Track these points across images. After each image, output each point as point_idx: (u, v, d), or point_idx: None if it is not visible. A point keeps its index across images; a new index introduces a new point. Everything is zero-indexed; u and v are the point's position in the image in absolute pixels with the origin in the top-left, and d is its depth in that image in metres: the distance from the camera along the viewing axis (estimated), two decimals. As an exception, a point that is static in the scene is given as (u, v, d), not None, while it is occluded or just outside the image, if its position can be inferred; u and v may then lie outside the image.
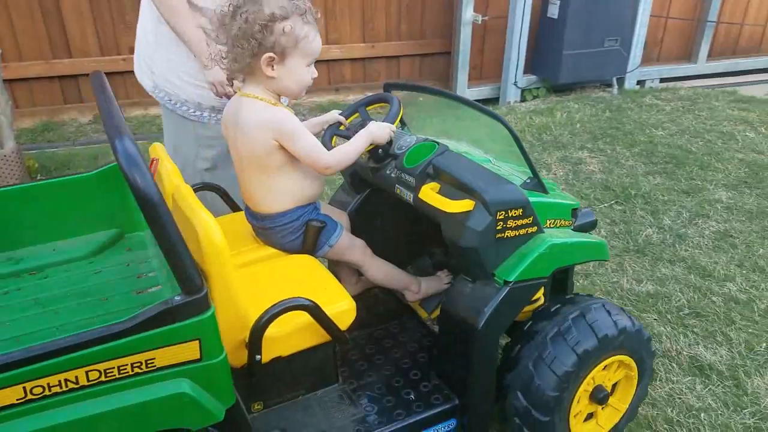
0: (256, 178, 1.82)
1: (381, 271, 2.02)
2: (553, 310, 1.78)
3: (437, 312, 2.07)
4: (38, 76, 4.76)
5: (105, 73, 4.97)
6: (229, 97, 2.19)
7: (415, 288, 2.09)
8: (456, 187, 1.70)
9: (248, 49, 1.64)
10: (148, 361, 1.25)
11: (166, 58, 2.35)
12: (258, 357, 1.52)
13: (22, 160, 3.81)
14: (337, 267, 2.15)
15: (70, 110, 4.97)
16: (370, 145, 1.85)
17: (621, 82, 5.84)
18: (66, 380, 1.16)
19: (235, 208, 2.18)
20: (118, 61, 4.82)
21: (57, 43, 4.72)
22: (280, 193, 1.83)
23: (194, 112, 2.40)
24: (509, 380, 1.73)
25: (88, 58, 4.80)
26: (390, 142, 1.92)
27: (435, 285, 2.12)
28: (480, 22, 5.34)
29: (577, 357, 1.66)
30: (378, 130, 1.84)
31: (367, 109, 2.07)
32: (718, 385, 2.23)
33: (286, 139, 1.72)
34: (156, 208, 1.16)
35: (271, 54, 1.65)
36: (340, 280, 1.88)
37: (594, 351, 1.69)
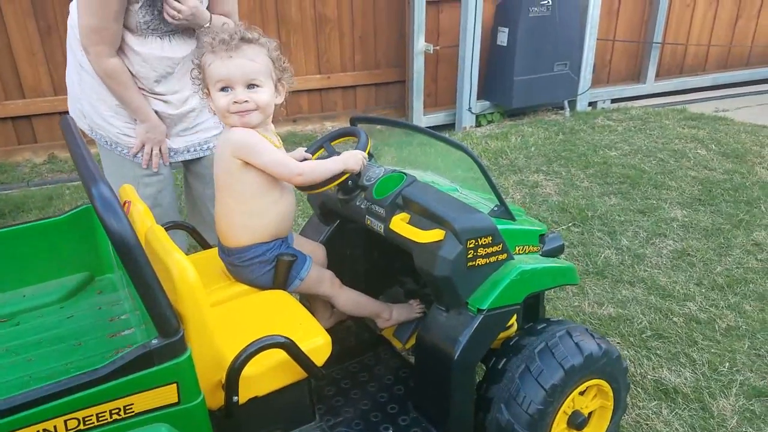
0: (228, 208, 1.83)
1: (351, 300, 2.04)
2: (539, 327, 1.81)
3: (412, 342, 2.08)
4: (-10, 117, 4.66)
5: (59, 113, 4.94)
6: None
7: (387, 315, 2.10)
8: (426, 217, 1.73)
9: (200, 88, 1.82)
10: (127, 407, 1.23)
11: (92, 104, 2.39)
12: (235, 398, 1.50)
13: (-26, 203, 3.70)
14: (310, 300, 2.15)
15: (24, 151, 4.87)
16: (344, 174, 1.87)
17: (573, 104, 6.04)
18: (44, 430, 1.13)
19: (205, 245, 2.17)
20: (72, 100, 4.76)
21: (9, 84, 4.64)
22: (250, 225, 1.84)
23: (128, 153, 2.43)
24: (493, 393, 1.73)
25: (41, 98, 4.73)
26: (359, 174, 1.95)
27: (406, 312, 2.14)
28: (432, 52, 5.48)
29: (564, 372, 1.69)
30: (352, 157, 1.88)
31: (332, 143, 2.11)
32: (684, 408, 2.24)
33: (248, 153, 1.74)
34: (133, 252, 1.16)
35: (204, 88, 1.80)
36: (313, 314, 1.88)
37: (579, 368, 1.72)
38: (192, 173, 2.67)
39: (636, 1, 6.29)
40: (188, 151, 2.53)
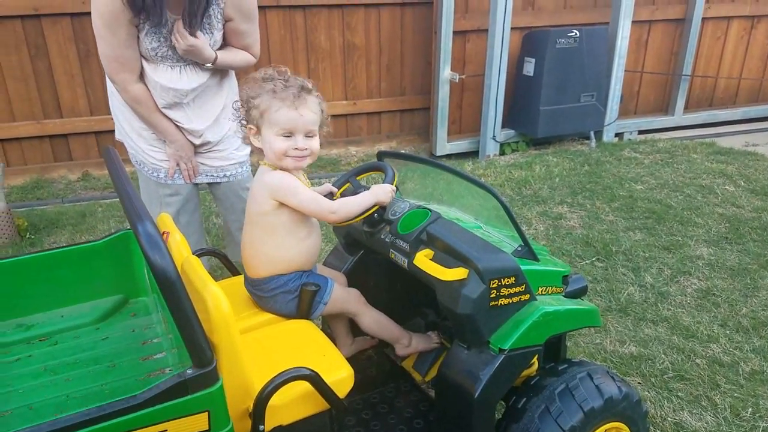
0: (256, 240, 1.91)
1: (374, 320, 2.09)
2: (560, 368, 1.83)
3: (432, 374, 2.12)
4: (30, 136, 4.84)
5: (95, 132, 5.10)
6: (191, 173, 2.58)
7: (406, 342, 2.14)
8: (450, 255, 1.78)
9: (243, 123, 1.89)
10: (160, 434, 1.29)
11: (120, 123, 2.55)
12: (261, 427, 1.55)
13: (11, 219, 3.84)
14: (332, 327, 2.20)
15: (60, 168, 5.03)
16: (374, 205, 1.94)
17: (599, 135, 6.04)
18: (85, 453, 1.20)
19: (234, 272, 2.24)
20: (107, 120, 4.84)
21: (48, 104, 4.83)
22: (276, 259, 1.91)
23: (152, 173, 2.58)
24: (512, 431, 1.76)
25: (78, 118, 4.91)
26: (384, 207, 2.01)
27: (425, 343, 2.18)
28: (457, 80, 5.55)
29: (584, 414, 1.71)
30: (381, 190, 1.96)
31: (358, 178, 2.18)
32: None
33: (285, 195, 1.83)
34: (174, 287, 1.22)
35: (251, 126, 1.86)
36: (334, 342, 1.93)
37: (599, 411, 1.74)
38: (214, 197, 2.83)
39: (665, 33, 6.31)
40: (205, 175, 2.67)
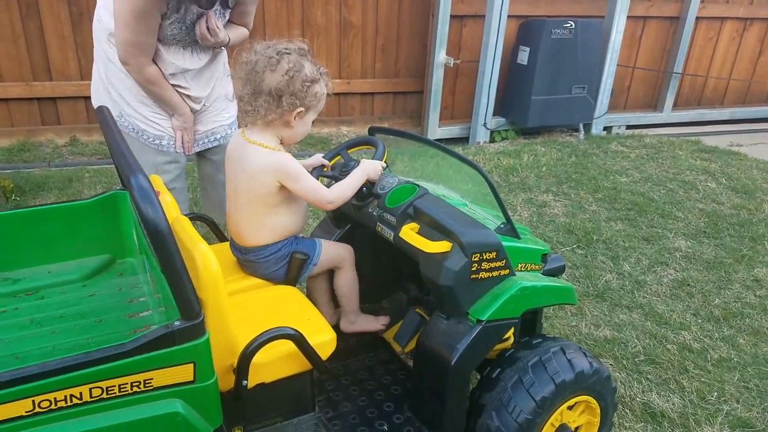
0: (251, 214, 1.94)
1: (351, 281, 2.16)
2: (535, 342, 1.90)
3: (411, 346, 2.17)
4: (18, 97, 4.79)
5: (84, 97, 5.03)
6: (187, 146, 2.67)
7: (353, 318, 2.21)
8: (435, 229, 1.82)
9: (287, 102, 1.82)
10: (146, 381, 1.32)
11: (119, 92, 2.55)
12: (245, 382, 1.60)
13: (-2, 179, 3.83)
14: (314, 296, 2.25)
15: (47, 132, 5.00)
16: (366, 180, 2.00)
17: (588, 127, 6.11)
18: (71, 395, 1.23)
19: (221, 238, 2.27)
20: (99, 84, 4.89)
21: (38, 66, 4.77)
22: (269, 228, 1.96)
23: (153, 140, 2.61)
24: (485, 400, 1.81)
25: (67, 82, 4.86)
26: (373, 183, 2.05)
27: (370, 324, 2.25)
28: (452, 65, 5.57)
29: (555, 386, 1.77)
30: (371, 165, 2.02)
31: (349, 151, 2.21)
32: None
33: (288, 179, 1.87)
34: (165, 239, 1.25)
35: (301, 109, 1.85)
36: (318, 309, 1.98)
37: (569, 384, 1.80)
38: (206, 160, 2.88)
39: (659, 31, 6.37)
40: (199, 143, 2.75)
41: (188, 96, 2.59)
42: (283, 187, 1.88)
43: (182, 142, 2.66)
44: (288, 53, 1.82)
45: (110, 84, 2.56)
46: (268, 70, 1.80)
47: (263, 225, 1.95)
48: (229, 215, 2.03)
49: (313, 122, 1.95)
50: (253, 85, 1.82)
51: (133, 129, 2.60)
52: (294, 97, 1.82)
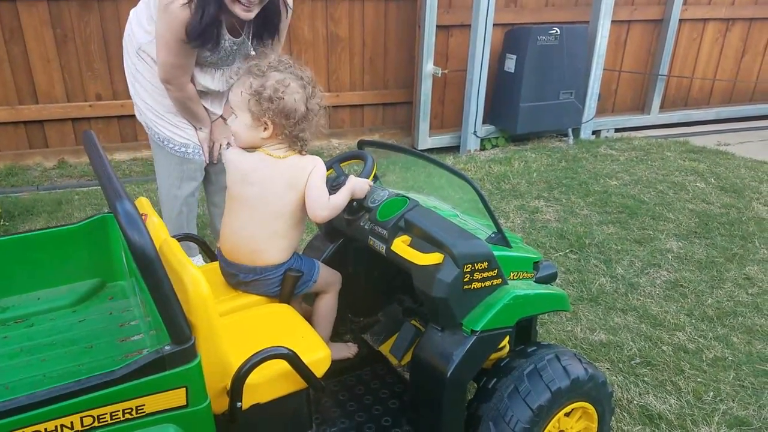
0: (270, 230, 1.95)
1: (331, 308, 2.15)
2: (530, 350, 1.89)
3: (407, 359, 2.16)
4: (4, 122, 4.78)
5: (71, 119, 5.05)
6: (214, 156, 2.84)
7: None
8: (426, 241, 1.82)
9: (305, 119, 1.92)
10: (138, 408, 1.31)
11: (147, 103, 2.70)
12: (239, 404, 1.58)
13: (-13, 204, 3.80)
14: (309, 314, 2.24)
15: (35, 155, 4.98)
16: (351, 198, 2.01)
17: (576, 132, 6.13)
18: (62, 426, 1.21)
19: (212, 257, 2.26)
20: (84, 107, 4.89)
21: (23, 90, 4.76)
22: (285, 247, 1.98)
23: (180, 148, 2.74)
24: (482, 411, 1.80)
25: (54, 104, 4.85)
26: (365, 197, 2.05)
27: (342, 353, 2.24)
28: (440, 75, 5.60)
29: (551, 394, 1.77)
30: (357, 185, 2.02)
31: (341, 165, 2.21)
32: None
33: (314, 178, 1.92)
34: (153, 265, 1.24)
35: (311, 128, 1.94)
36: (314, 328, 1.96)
37: (566, 391, 1.80)
38: (210, 178, 3.01)
39: (643, 34, 6.42)
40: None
41: (211, 112, 2.76)
42: (291, 197, 1.91)
43: (209, 152, 2.81)
44: (307, 88, 1.93)
45: (138, 96, 2.71)
46: (274, 95, 1.86)
47: (284, 241, 1.96)
48: (232, 234, 1.99)
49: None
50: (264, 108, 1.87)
51: (159, 138, 2.73)
52: (310, 112, 1.93)
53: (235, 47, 2.58)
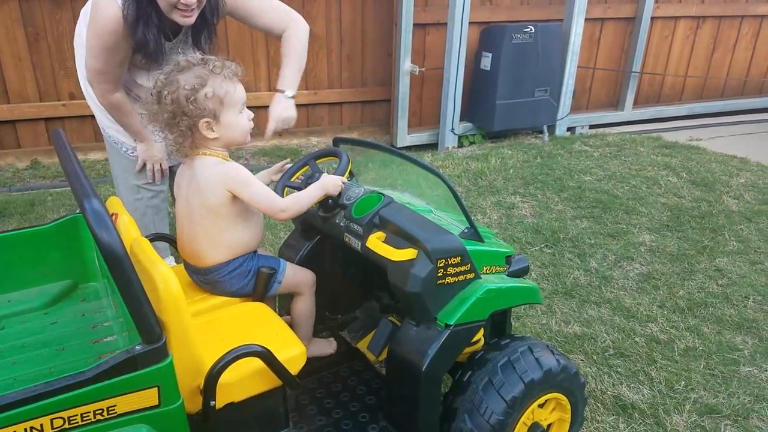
0: (206, 230, 1.90)
1: (309, 309, 2.13)
2: (503, 343, 1.91)
3: (384, 355, 2.17)
4: (-25, 122, 4.69)
5: (44, 119, 4.97)
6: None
7: (306, 344, 2.18)
8: (400, 237, 1.83)
9: (185, 123, 1.79)
10: (110, 408, 1.30)
11: (98, 105, 2.57)
12: (212, 402, 1.57)
13: (-43, 206, 3.73)
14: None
15: (7, 156, 4.89)
16: (323, 196, 1.99)
17: (552, 129, 6.19)
18: (31, 428, 1.20)
19: (186, 257, 2.24)
20: (57, 106, 4.82)
21: (-6, 89, 4.68)
22: (226, 244, 1.93)
23: (132, 152, 2.64)
24: (457, 403, 1.82)
25: (26, 104, 4.77)
26: (339, 194, 2.06)
27: (323, 349, 2.24)
28: (417, 73, 5.62)
29: (524, 385, 1.79)
30: (330, 182, 1.99)
31: (317, 162, 2.21)
32: (640, 423, 2.34)
33: (239, 187, 1.84)
34: (121, 263, 1.24)
35: (207, 119, 1.81)
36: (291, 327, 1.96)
37: (538, 382, 1.82)
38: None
39: (616, 32, 6.50)
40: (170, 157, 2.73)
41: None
42: (236, 198, 1.86)
43: (152, 172, 2.66)
44: (165, 81, 1.80)
45: (89, 97, 2.61)
46: (156, 106, 1.81)
47: (219, 242, 1.91)
48: (181, 237, 1.99)
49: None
50: (158, 118, 1.83)
51: (114, 141, 2.65)
52: (189, 117, 1.78)
53: (175, 49, 2.45)
